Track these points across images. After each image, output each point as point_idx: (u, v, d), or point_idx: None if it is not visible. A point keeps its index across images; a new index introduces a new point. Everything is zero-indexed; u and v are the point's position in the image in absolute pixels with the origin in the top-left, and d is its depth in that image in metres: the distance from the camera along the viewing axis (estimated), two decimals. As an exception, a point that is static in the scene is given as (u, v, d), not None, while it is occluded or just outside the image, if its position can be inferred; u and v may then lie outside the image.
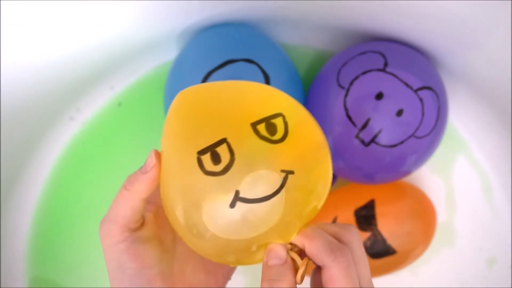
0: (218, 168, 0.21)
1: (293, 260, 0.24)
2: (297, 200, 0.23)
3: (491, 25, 0.40)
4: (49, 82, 0.46)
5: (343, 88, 0.45)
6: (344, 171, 0.48)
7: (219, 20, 0.49)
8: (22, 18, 0.38)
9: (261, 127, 0.22)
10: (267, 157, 0.22)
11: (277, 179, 0.22)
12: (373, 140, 0.44)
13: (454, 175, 0.57)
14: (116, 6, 0.42)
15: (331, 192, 0.54)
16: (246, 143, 0.22)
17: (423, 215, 0.50)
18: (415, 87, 0.43)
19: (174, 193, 0.23)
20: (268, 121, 0.22)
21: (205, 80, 0.44)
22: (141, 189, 0.26)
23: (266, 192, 0.22)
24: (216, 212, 0.22)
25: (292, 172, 0.22)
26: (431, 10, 0.42)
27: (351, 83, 0.44)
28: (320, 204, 0.24)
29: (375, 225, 0.48)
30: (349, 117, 0.44)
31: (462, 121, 0.56)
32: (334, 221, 0.50)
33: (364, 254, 0.27)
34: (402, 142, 0.44)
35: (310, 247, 0.25)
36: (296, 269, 0.24)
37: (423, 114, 0.43)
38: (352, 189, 0.52)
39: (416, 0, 0.41)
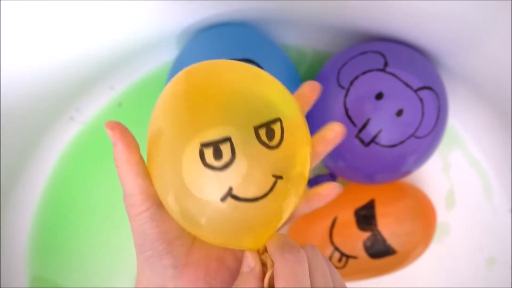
0: (218, 164, 0.22)
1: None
2: (280, 203, 0.24)
3: (491, 25, 0.40)
4: (49, 82, 0.46)
5: (343, 88, 0.45)
6: (344, 171, 0.48)
7: (219, 20, 0.49)
8: (23, 19, 0.38)
9: (262, 132, 0.23)
10: (263, 162, 0.23)
11: (268, 183, 0.23)
12: (373, 140, 0.44)
13: (454, 175, 0.57)
14: (117, 6, 0.42)
15: (331, 192, 0.54)
16: (248, 147, 0.23)
17: (423, 215, 0.50)
18: (415, 87, 0.43)
19: (169, 178, 0.24)
20: (268, 126, 0.23)
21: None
22: (127, 158, 0.28)
23: (256, 194, 0.23)
24: (207, 204, 0.23)
25: (281, 177, 0.23)
26: (431, 10, 0.42)
27: (351, 83, 0.44)
28: (295, 206, 0.25)
29: (375, 225, 0.48)
30: (349, 117, 0.44)
31: (462, 121, 0.56)
32: (334, 221, 0.50)
33: (323, 267, 0.28)
34: (402, 142, 0.44)
35: (268, 246, 0.27)
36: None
37: (423, 114, 0.43)
38: (352, 189, 0.52)
39: (416, 0, 0.41)
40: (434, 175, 0.57)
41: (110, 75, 0.54)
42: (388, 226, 0.48)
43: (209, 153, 0.22)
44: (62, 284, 0.57)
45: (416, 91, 0.43)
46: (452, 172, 0.57)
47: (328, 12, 0.48)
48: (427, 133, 0.44)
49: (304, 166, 0.25)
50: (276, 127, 0.23)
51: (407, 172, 0.47)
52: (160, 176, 0.25)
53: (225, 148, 0.22)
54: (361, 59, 0.45)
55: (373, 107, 0.43)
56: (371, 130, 0.43)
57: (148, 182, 0.28)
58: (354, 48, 0.47)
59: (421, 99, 0.43)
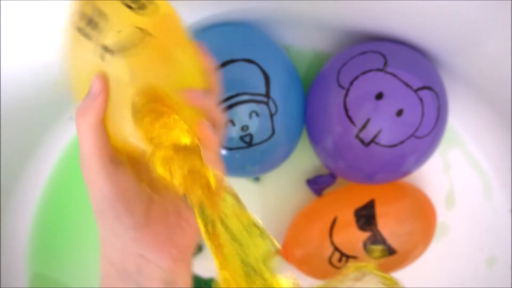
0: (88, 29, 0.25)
1: None
2: (154, 63, 0.26)
3: (491, 25, 0.40)
4: (50, 82, 0.46)
5: (343, 88, 0.45)
6: (344, 171, 0.48)
7: (219, 20, 0.49)
8: (23, 18, 0.38)
9: None
10: (127, 18, 0.25)
11: (133, 34, 0.25)
12: (373, 140, 0.44)
13: (454, 175, 0.57)
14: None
15: (331, 192, 0.54)
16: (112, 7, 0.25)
17: (423, 215, 0.50)
18: (415, 87, 0.43)
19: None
20: None
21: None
22: (97, 114, 0.27)
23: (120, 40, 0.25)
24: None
25: (150, 34, 0.25)
26: (431, 10, 0.42)
27: (351, 83, 0.44)
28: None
29: (375, 225, 0.48)
30: (349, 117, 0.44)
31: (462, 121, 0.56)
32: (334, 221, 0.50)
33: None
34: (402, 142, 0.44)
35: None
36: None
37: (423, 114, 0.43)
38: (352, 189, 0.52)
39: (416, 0, 0.41)
40: (434, 175, 0.57)
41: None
42: (388, 226, 0.48)
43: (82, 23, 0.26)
44: (62, 283, 0.57)
45: (416, 91, 0.43)
46: (452, 172, 0.57)
47: (328, 12, 0.48)
48: (427, 133, 0.44)
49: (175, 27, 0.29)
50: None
51: (407, 172, 0.47)
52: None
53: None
54: (361, 59, 0.45)
55: (373, 107, 0.43)
56: (371, 130, 0.43)
57: (107, 142, 0.28)
58: (354, 48, 0.47)
59: (421, 99, 0.43)
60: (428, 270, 0.57)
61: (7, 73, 0.41)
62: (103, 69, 0.25)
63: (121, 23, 0.25)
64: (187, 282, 0.31)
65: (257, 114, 0.44)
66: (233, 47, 0.45)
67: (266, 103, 0.44)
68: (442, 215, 0.56)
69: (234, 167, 0.48)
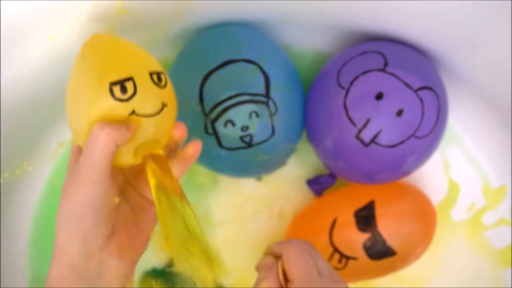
0: (124, 97, 0.31)
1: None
2: (164, 123, 0.34)
3: (491, 25, 0.40)
4: (50, 82, 0.46)
5: (343, 88, 0.45)
6: (344, 171, 0.48)
7: (219, 20, 0.49)
8: (24, 17, 0.38)
9: (154, 76, 0.33)
10: (155, 94, 0.33)
11: (159, 106, 0.33)
12: (373, 140, 0.44)
13: (454, 175, 0.57)
14: (117, 6, 0.42)
15: (331, 193, 0.54)
16: (145, 84, 0.32)
17: (423, 216, 0.50)
18: (415, 87, 0.43)
19: (82, 110, 0.32)
20: (159, 73, 0.33)
21: (205, 80, 0.44)
22: (122, 138, 0.32)
23: (152, 111, 0.33)
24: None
25: (166, 105, 0.34)
26: (431, 10, 0.42)
27: (351, 83, 0.44)
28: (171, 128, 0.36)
29: (375, 226, 0.48)
30: (349, 117, 0.44)
31: (462, 121, 0.56)
32: (334, 222, 0.50)
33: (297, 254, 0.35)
34: (402, 142, 0.43)
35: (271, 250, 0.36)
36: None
37: (423, 114, 0.43)
38: (352, 190, 0.52)
39: (416, 0, 0.41)
40: (434, 175, 0.57)
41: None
42: (388, 227, 0.48)
43: (117, 89, 0.31)
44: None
45: (416, 91, 0.43)
46: (452, 172, 0.57)
47: (328, 12, 0.48)
48: (427, 133, 0.44)
49: (175, 105, 0.36)
50: (164, 76, 0.34)
51: (407, 172, 0.47)
52: (74, 111, 0.34)
53: (129, 85, 0.32)
54: (361, 59, 0.45)
55: (373, 107, 0.43)
56: (371, 130, 0.43)
57: (112, 159, 0.32)
58: (354, 48, 0.47)
59: (421, 99, 0.43)
60: (428, 270, 0.57)
61: (8, 72, 0.41)
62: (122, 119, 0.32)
63: (149, 98, 0.33)
64: (133, 280, 0.35)
65: (257, 115, 0.44)
66: (233, 47, 0.45)
67: (266, 104, 0.44)
68: (442, 215, 0.56)
69: (234, 168, 0.48)
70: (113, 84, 0.31)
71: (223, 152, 0.46)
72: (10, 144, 0.48)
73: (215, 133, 0.45)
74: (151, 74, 0.33)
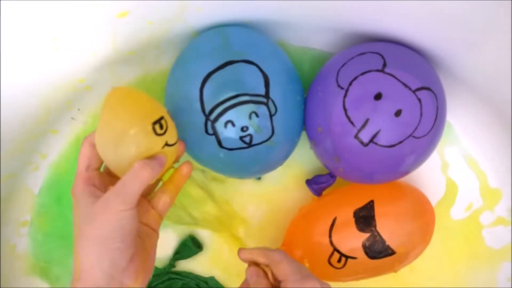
0: (162, 132, 0.39)
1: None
2: (172, 155, 0.42)
3: (491, 25, 0.40)
4: (50, 82, 0.47)
5: (342, 88, 0.45)
6: (344, 171, 0.48)
7: (219, 20, 0.49)
8: (24, 18, 0.38)
9: (169, 113, 0.42)
10: (174, 126, 0.42)
11: (177, 135, 0.42)
12: (372, 140, 0.44)
13: (452, 175, 0.58)
14: (117, 6, 0.42)
15: (330, 193, 0.55)
16: (169, 120, 0.41)
17: (422, 216, 0.50)
18: (413, 87, 0.43)
19: (125, 147, 0.38)
20: (160, 120, 0.40)
21: (205, 81, 0.44)
22: (157, 175, 0.39)
23: (176, 140, 0.42)
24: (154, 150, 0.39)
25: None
26: (429, 10, 0.42)
27: (350, 84, 0.44)
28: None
29: (374, 226, 0.48)
30: (348, 117, 0.44)
31: (461, 121, 0.56)
32: (334, 221, 0.50)
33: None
34: (401, 142, 0.44)
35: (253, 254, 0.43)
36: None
37: (421, 114, 0.43)
38: (351, 190, 0.52)
39: (415, 1, 0.41)
40: (432, 175, 0.57)
41: (111, 75, 0.54)
42: (387, 227, 0.48)
43: (157, 127, 0.39)
44: (62, 284, 0.57)
45: (414, 91, 0.43)
46: (451, 172, 0.58)
47: (327, 13, 0.48)
48: (425, 133, 0.44)
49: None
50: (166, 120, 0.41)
51: (406, 172, 0.47)
52: (116, 149, 0.38)
53: (163, 122, 0.39)
54: (360, 60, 0.45)
55: (372, 107, 0.43)
56: (370, 130, 0.43)
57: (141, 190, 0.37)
58: (353, 49, 0.47)
59: (419, 100, 0.43)
60: (428, 270, 0.58)
61: (8, 72, 0.41)
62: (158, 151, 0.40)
63: (173, 130, 0.41)
64: None
65: (256, 115, 0.44)
66: (233, 48, 0.45)
67: (266, 104, 0.45)
68: (441, 215, 0.56)
69: (234, 168, 0.48)
70: (154, 123, 0.38)
71: (223, 152, 0.46)
72: (11, 143, 0.48)
73: (215, 134, 0.45)
74: (168, 112, 0.41)
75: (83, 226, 0.37)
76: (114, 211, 0.36)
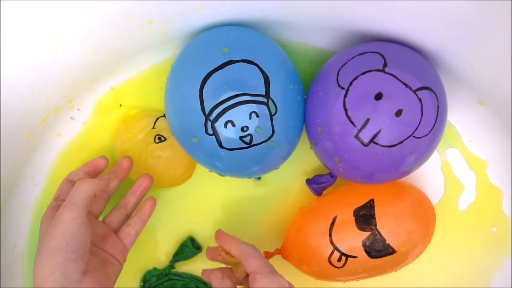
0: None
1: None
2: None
3: (491, 25, 0.40)
4: (50, 82, 0.46)
5: (342, 88, 0.45)
6: (344, 171, 0.48)
7: (219, 20, 0.49)
8: (24, 18, 0.38)
9: None
10: None
11: None
12: (372, 140, 0.44)
13: (453, 175, 0.58)
14: (117, 6, 0.42)
15: (330, 192, 0.55)
16: None
17: (423, 215, 0.50)
18: (414, 87, 0.43)
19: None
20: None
21: (205, 80, 0.44)
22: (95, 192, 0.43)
23: None
24: None
25: None
26: (430, 10, 0.42)
27: (351, 84, 0.44)
28: None
29: (375, 225, 0.48)
30: (349, 117, 0.44)
31: (461, 121, 0.56)
32: (334, 221, 0.50)
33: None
34: (401, 142, 0.44)
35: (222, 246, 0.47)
36: None
37: (422, 114, 0.43)
38: (352, 189, 0.52)
39: (415, 0, 0.41)
40: (433, 175, 0.57)
41: (111, 75, 0.54)
42: (388, 226, 0.48)
43: None
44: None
45: (415, 91, 0.43)
46: (451, 171, 0.58)
47: (327, 13, 0.48)
48: (426, 133, 0.44)
49: None
50: None
51: (407, 172, 0.47)
52: None
53: None
54: (360, 60, 0.45)
55: (372, 107, 0.43)
56: (370, 130, 0.43)
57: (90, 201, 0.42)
58: (354, 49, 0.47)
59: (420, 100, 0.43)
60: (428, 270, 0.58)
61: (8, 72, 0.41)
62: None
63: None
64: None
65: (257, 115, 0.44)
66: (233, 47, 0.45)
67: (266, 104, 0.45)
68: (441, 214, 0.56)
69: (234, 168, 0.48)
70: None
71: (223, 152, 0.46)
72: (10, 144, 0.48)
73: (215, 134, 0.45)
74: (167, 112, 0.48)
75: (40, 243, 0.40)
76: (63, 221, 0.39)
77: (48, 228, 0.40)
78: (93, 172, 0.49)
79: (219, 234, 0.48)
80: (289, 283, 0.44)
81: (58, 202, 0.45)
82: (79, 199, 0.40)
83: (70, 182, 0.47)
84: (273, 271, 0.43)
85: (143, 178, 0.51)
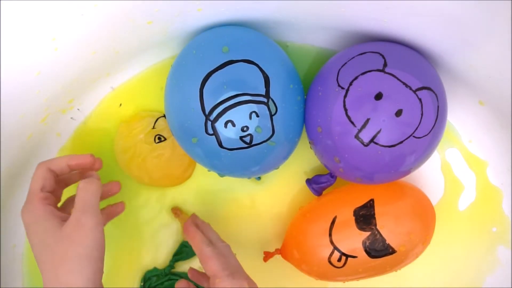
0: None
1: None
2: None
3: (491, 25, 0.40)
4: (50, 82, 0.46)
5: (342, 88, 0.45)
6: (344, 171, 0.48)
7: (219, 20, 0.49)
8: (24, 18, 0.38)
9: None
10: None
11: None
12: (372, 140, 0.44)
13: (453, 175, 0.58)
14: (117, 6, 0.42)
15: (330, 192, 0.55)
16: None
17: (422, 215, 0.50)
18: (414, 87, 0.43)
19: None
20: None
21: (205, 80, 0.44)
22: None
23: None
24: None
25: None
26: (430, 10, 0.42)
27: (351, 84, 0.44)
28: None
29: (375, 224, 0.48)
30: (349, 117, 0.44)
31: (461, 121, 0.56)
32: (334, 221, 0.50)
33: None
34: (401, 142, 0.44)
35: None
36: None
37: (422, 114, 0.43)
38: (352, 188, 0.53)
39: (415, 0, 0.41)
40: (433, 175, 0.57)
41: (111, 75, 0.54)
42: (388, 226, 0.48)
43: None
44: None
45: (415, 91, 0.43)
46: (451, 171, 0.58)
47: (328, 13, 0.48)
48: (426, 133, 0.44)
49: None
50: None
51: (407, 172, 0.47)
52: None
53: None
54: (360, 60, 0.45)
55: (372, 107, 0.43)
56: (370, 130, 0.43)
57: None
58: (354, 49, 0.47)
59: (420, 100, 0.43)
60: (428, 270, 0.58)
61: (8, 72, 0.41)
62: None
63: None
64: None
65: (257, 115, 0.44)
66: (233, 47, 0.45)
67: (266, 104, 0.45)
68: (441, 214, 0.56)
69: (234, 168, 0.48)
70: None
71: (223, 152, 0.46)
72: (10, 144, 0.48)
73: (215, 133, 0.45)
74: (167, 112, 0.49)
75: (58, 246, 0.39)
76: (90, 227, 0.39)
77: (67, 231, 0.39)
78: (75, 166, 0.45)
79: (186, 225, 0.49)
80: (252, 282, 0.43)
81: (46, 195, 0.43)
82: (95, 203, 0.41)
83: (51, 172, 0.44)
84: (233, 273, 0.42)
85: (112, 184, 0.50)
